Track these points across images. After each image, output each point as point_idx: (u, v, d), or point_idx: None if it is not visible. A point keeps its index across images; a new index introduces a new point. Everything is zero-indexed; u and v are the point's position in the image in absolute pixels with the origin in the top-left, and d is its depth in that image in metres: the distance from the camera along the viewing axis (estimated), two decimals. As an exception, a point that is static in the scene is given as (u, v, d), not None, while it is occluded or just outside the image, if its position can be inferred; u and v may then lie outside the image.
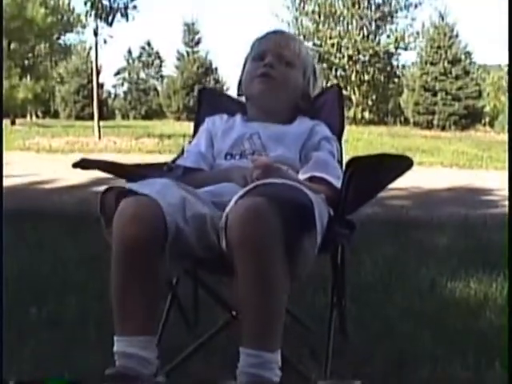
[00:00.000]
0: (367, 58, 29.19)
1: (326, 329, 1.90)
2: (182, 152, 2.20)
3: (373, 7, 29.60)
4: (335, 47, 29.01)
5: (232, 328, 1.96)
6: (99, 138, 13.17)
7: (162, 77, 40.83)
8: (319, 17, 29.45)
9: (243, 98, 2.27)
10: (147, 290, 1.64)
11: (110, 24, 12.75)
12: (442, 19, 26.77)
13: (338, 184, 1.90)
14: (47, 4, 23.04)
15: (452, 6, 55.86)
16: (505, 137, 17.72)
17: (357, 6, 29.16)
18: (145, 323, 1.63)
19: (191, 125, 2.40)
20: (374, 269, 3.31)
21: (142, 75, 41.54)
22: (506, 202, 4.58)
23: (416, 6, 29.67)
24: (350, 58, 29.04)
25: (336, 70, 29.46)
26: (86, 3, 12.47)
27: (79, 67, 33.65)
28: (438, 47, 26.09)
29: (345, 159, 2.18)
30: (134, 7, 13.04)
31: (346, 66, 29.29)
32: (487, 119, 28.84)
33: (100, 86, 21.80)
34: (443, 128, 24.92)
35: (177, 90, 32.33)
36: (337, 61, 29.18)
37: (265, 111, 2.16)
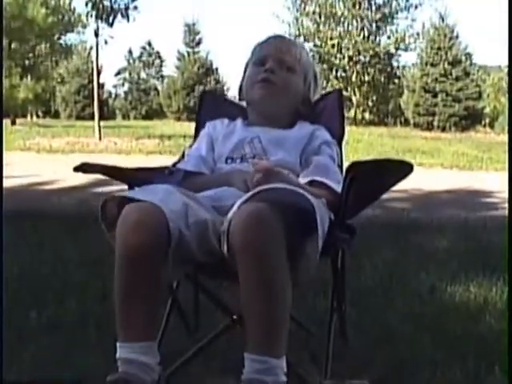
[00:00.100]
0: (367, 58, 29.21)
1: (326, 333, 1.90)
2: (183, 156, 2.20)
3: (373, 8, 29.62)
4: (336, 48, 29.02)
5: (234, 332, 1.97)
6: (100, 138, 13.18)
7: (162, 77, 40.86)
8: (320, 17, 29.46)
9: (244, 103, 2.27)
10: (150, 296, 1.65)
11: (111, 25, 12.76)
12: (443, 20, 26.77)
13: (338, 188, 1.90)
14: (48, 4, 23.04)
15: (452, 8, 55.83)
16: (505, 138, 17.72)
17: (357, 7, 29.17)
18: (146, 329, 1.64)
19: (191, 125, 2.40)
20: (374, 273, 3.31)
21: (143, 75, 41.58)
22: (506, 205, 4.58)
23: (416, 7, 29.72)
24: (350, 58, 29.05)
25: (336, 71, 29.47)
26: (86, 4, 12.48)
27: (80, 67, 33.66)
28: (439, 48, 26.10)
29: (345, 160, 2.20)
30: (135, 8, 13.06)
31: (347, 67, 29.31)
32: (487, 120, 28.85)
33: (101, 86, 21.85)
34: (443, 129, 24.93)
35: (177, 91, 32.33)
36: (337, 61, 29.19)
37: (265, 116, 2.16)
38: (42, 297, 2.81)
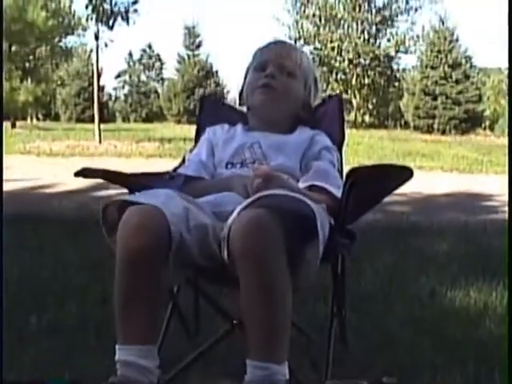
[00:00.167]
0: (368, 61, 29.21)
1: (326, 338, 1.90)
2: (183, 161, 2.21)
3: (373, 11, 29.63)
4: (336, 51, 29.03)
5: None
6: (100, 141, 13.17)
7: (162, 79, 40.86)
8: (320, 20, 29.47)
9: (244, 108, 2.27)
10: (150, 299, 1.64)
11: (111, 28, 12.77)
12: (443, 23, 26.79)
13: (338, 193, 1.90)
14: (48, 7, 23.03)
15: (452, 11, 55.86)
16: (505, 140, 17.73)
17: (357, 10, 29.19)
18: (146, 332, 1.64)
19: (191, 128, 2.41)
20: (374, 278, 3.31)
21: (143, 78, 41.56)
22: (506, 208, 4.59)
23: (416, 10, 29.71)
24: (350, 61, 29.06)
25: (336, 74, 29.48)
26: (87, 7, 12.49)
27: (80, 70, 33.66)
28: (439, 51, 26.11)
29: (346, 162, 2.20)
30: (135, 11, 13.06)
31: (347, 70, 29.31)
32: (487, 123, 28.85)
33: (101, 88, 21.86)
34: (443, 132, 24.93)
35: (177, 93, 32.34)
36: (337, 64, 29.20)
37: (266, 121, 2.17)
38: (42, 300, 2.82)
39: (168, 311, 2.10)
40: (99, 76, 14.25)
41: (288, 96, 2.15)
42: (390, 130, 27.22)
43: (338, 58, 29.12)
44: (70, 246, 3.92)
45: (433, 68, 26.09)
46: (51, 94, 30.04)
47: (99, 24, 12.71)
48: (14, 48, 23.11)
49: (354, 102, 29.47)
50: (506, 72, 26.69)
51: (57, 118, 34.44)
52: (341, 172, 2.14)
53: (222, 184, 1.99)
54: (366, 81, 29.53)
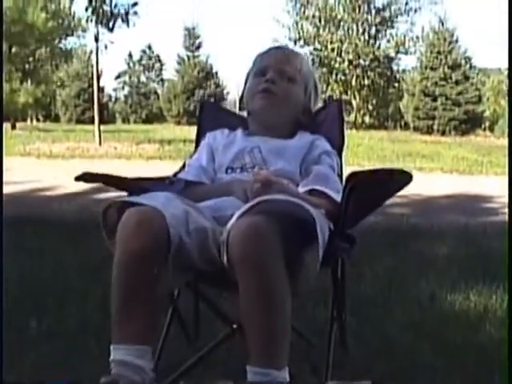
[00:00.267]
0: (367, 62, 29.21)
1: (326, 342, 1.91)
2: (184, 166, 2.21)
3: (373, 12, 29.63)
4: (336, 52, 29.03)
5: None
6: (100, 143, 13.17)
7: (162, 80, 40.85)
8: (320, 21, 29.47)
9: (245, 113, 2.28)
10: (147, 299, 1.64)
11: (111, 30, 12.77)
12: (442, 24, 26.79)
13: (337, 198, 1.91)
14: (48, 9, 23.04)
15: (452, 11, 55.84)
16: (504, 141, 17.73)
17: (357, 11, 29.19)
18: (142, 333, 1.63)
19: (191, 129, 2.42)
20: (374, 281, 3.31)
21: (143, 79, 41.55)
22: (506, 210, 4.59)
23: (416, 11, 29.69)
24: (350, 62, 29.05)
25: (336, 75, 29.46)
26: (86, 9, 12.49)
27: (80, 71, 33.67)
28: (438, 52, 26.12)
29: (346, 163, 2.21)
30: (135, 13, 13.04)
31: (347, 71, 29.30)
32: (487, 124, 28.85)
33: (101, 89, 21.85)
34: (443, 133, 24.94)
35: (177, 94, 32.34)
36: (337, 65, 29.19)
37: (266, 126, 2.17)
38: (42, 303, 2.82)
39: (168, 315, 2.10)
40: (99, 78, 14.25)
41: (288, 101, 2.16)
42: (389, 130, 27.23)
43: (338, 59, 29.11)
44: (70, 248, 3.93)
45: (432, 69, 26.10)
46: (51, 96, 30.07)
47: (99, 26, 12.71)
48: (13, 49, 23.13)
49: (353, 103, 29.47)
50: (506, 72, 26.71)
51: (57, 119, 34.44)
52: (340, 176, 2.14)
53: (222, 189, 1.99)
54: (366, 82, 29.52)
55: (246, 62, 2.29)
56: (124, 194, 1.97)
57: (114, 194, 2.11)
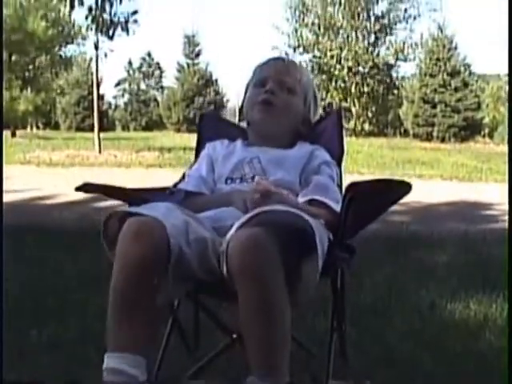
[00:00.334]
0: (367, 69, 29.25)
1: (326, 352, 1.91)
2: (183, 177, 2.22)
3: (372, 19, 29.69)
4: (335, 59, 29.06)
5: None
6: (100, 151, 13.18)
7: (162, 88, 40.90)
8: (319, 29, 29.51)
9: (244, 123, 2.29)
10: (146, 309, 1.64)
11: (111, 38, 12.80)
12: (441, 31, 26.83)
13: (337, 208, 1.91)
14: (48, 17, 23.08)
15: (451, 18, 55.89)
16: (504, 148, 17.74)
17: (356, 18, 29.25)
18: (139, 343, 1.62)
19: (191, 137, 2.43)
20: (374, 290, 3.31)
21: (143, 86, 41.61)
22: (506, 217, 4.59)
23: (415, 18, 29.74)
24: (349, 69, 29.08)
25: (336, 82, 29.48)
26: (86, 18, 12.51)
27: (80, 79, 33.70)
28: (437, 59, 26.16)
29: (345, 171, 2.22)
30: (135, 21, 13.09)
31: (346, 78, 29.33)
32: (486, 130, 28.88)
33: (100, 97, 21.86)
34: (443, 140, 24.95)
35: (177, 102, 32.36)
36: (337, 72, 29.21)
37: (265, 137, 2.18)
38: (42, 313, 2.82)
39: (168, 325, 2.10)
40: (99, 85, 14.27)
41: (287, 112, 2.16)
42: (389, 137, 27.24)
43: (338, 66, 29.14)
44: (70, 257, 3.92)
45: (432, 76, 26.13)
46: (51, 103, 30.09)
47: (99, 34, 12.74)
48: (14, 57, 23.17)
49: (353, 110, 29.48)
50: (505, 78, 26.74)
51: (57, 126, 34.45)
52: (340, 186, 2.15)
53: (221, 199, 2.00)
54: (366, 89, 29.54)
55: (246, 69, 2.30)
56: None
57: (114, 202, 2.11)
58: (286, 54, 28.59)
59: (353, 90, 29.40)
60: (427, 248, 4.54)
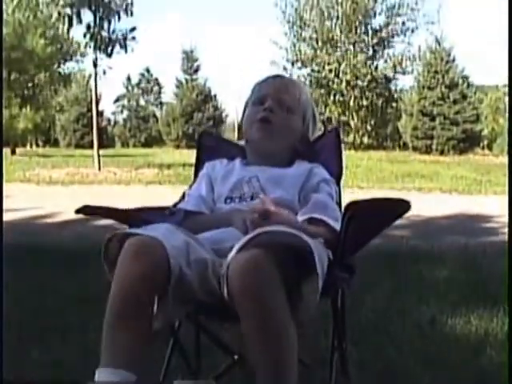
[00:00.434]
0: (365, 83, 29.34)
1: (327, 371, 1.91)
2: (183, 196, 2.23)
3: (370, 32, 29.82)
4: (333, 73, 29.17)
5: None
6: (99, 168, 13.21)
7: (161, 103, 41.03)
8: (317, 43, 29.66)
9: (243, 141, 2.29)
10: (143, 327, 1.62)
11: (110, 55, 12.86)
12: (439, 44, 26.94)
13: (336, 226, 1.91)
14: (47, 34, 23.15)
15: (448, 31, 56.06)
16: (503, 159, 17.78)
17: (354, 32, 29.38)
18: (133, 361, 1.59)
19: (190, 153, 2.43)
20: (375, 306, 3.31)
21: (142, 102, 41.74)
22: (506, 229, 4.59)
23: (412, 31, 29.90)
24: (348, 83, 29.18)
25: (334, 96, 29.59)
26: (85, 35, 12.58)
27: (79, 96, 33.84)
28: (436, 72, 26.25)
29: (345, 185, 2.21)
30: (133, 38, 13.16)
31: (345, 92, 29.43)
32: (485, 142, 28.94)
33: (99, 113, 21.93)
34: (442, 152, 25.00)
35: (176, 118, 32.45)
36: (335, 86, 29.32)
37: (264, 155, 2.18)
38: (43, 335, 2.81)
39: (169, 347, 2.10)
40: (98, 102, 14.32)
41: (286, 131, 2.17)
42: (388, 151, 27.31)
43: (336, 80, 29.25)
44: (69, 277, 3.92)
45: (430, 89, 26.21)
46: (50, 121, 30.19)
47: (97, 51, 12.79)
48: (13, 76, 23.23)
49: (352, 123, 29.57)
50: (504, 90, 26.83)
51: (56, 143, 34.57)
52: (339, 204, 2.15)
53: (221, 219, 2.00)
54: (364, 102, 29.64)
55: (245, 84, 2.31)
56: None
57: (114, 222, 2.11)
58: (285, 68, 28.75)
59: (351, 103, 29.50)
60: (427, 262, 4.53)
